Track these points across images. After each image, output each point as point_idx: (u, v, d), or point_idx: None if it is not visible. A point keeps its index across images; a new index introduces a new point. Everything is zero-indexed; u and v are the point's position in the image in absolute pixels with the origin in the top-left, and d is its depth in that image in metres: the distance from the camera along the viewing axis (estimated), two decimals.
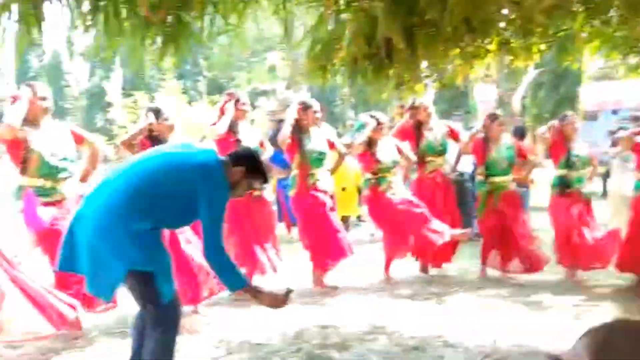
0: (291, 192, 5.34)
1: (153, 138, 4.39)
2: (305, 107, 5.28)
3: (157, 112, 4.48)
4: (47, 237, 3.79)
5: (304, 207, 5.23)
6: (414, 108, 5.73)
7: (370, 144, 5.48)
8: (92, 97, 35.88)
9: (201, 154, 2.89)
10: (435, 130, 5.77)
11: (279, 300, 2.83)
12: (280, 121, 6.23)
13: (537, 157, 6.14)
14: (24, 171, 3.88)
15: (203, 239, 2.78)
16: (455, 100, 23.30)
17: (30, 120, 3.86)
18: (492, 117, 5.68)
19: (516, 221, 5.47)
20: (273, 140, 8.66)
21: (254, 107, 24.40)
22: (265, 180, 3.04)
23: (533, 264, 5.37)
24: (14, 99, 3.83)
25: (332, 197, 5.47)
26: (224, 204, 2.80)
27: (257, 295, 2.81)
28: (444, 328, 3.99)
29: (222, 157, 2.86)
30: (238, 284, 2.86)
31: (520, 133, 8.59)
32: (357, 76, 3.69)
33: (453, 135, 5.89)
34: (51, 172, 3.90)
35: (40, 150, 3.84)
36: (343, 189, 6.83)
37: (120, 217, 2.60)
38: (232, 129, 4.88)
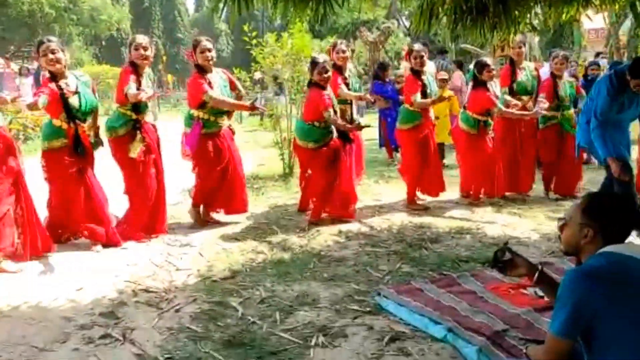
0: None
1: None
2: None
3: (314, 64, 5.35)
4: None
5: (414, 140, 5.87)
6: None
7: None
8: (201, 27, 38.06)
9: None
10: (527, 70, 6.35)
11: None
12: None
13: None
14: (200, 107, 4.98)
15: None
16: (561, 30, 22.64)
17: (204, 69, 5.01)
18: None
19: None
20: (376, 72, 9.52)
21: (354, 37, 24.80)
22: None
23: None
24: (188, 54, 5.06)
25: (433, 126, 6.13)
26: (605, 100, 4.47)
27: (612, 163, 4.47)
28: (520, 232, 4.93)
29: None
30: (605, 154, 4.50)
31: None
32: (458, 24, 4.49)
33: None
34: (218, 110, 5.04)
35: (214, 94, 4.93)
36: (436, 118, 7.53)
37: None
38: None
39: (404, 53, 6.94)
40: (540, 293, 3.33)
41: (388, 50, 22.51)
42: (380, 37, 20.23)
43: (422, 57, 5.72)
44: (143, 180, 4.79)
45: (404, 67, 9.58)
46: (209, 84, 4.95)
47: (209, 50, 5.01)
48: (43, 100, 4.08)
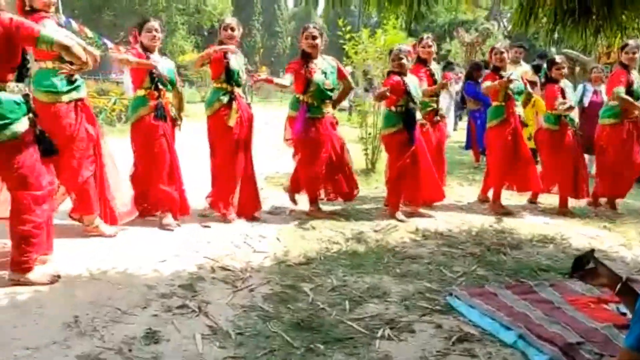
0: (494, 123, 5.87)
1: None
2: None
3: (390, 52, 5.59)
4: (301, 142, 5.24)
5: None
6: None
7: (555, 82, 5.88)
8: (299, 21, 38.67)
9: None
10: (638, 76, 6.02)
11: None
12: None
13: None
14: (304, 92, 5.14)
15: None
16: None
17: (308, 55, 5.16)
18: None
19: None
20: (470, 72, 9.30)
21: (451, 37, 24.26)
22: None
23: None
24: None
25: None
26: None
27: None
28: (607, 246, 4.69)
29: None
30: None
31: None
32: (558, 26, 4.32)
33: None
34: (322, 96, 5.19)
35: (318, 82, 5.11)
36: (525, 125, 7.27)
37: None
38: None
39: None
40: (623, 310, 3.17)
41: (485, 52, 21.90)
42: (478, 39, 19.74)
43: (501, 53, 5.85)
44: (234, 156, 4.98)
45: None
46: (310, 69, 5.09)
47: (314, 38, 5.13)
48: (132, 56, 4.64)
